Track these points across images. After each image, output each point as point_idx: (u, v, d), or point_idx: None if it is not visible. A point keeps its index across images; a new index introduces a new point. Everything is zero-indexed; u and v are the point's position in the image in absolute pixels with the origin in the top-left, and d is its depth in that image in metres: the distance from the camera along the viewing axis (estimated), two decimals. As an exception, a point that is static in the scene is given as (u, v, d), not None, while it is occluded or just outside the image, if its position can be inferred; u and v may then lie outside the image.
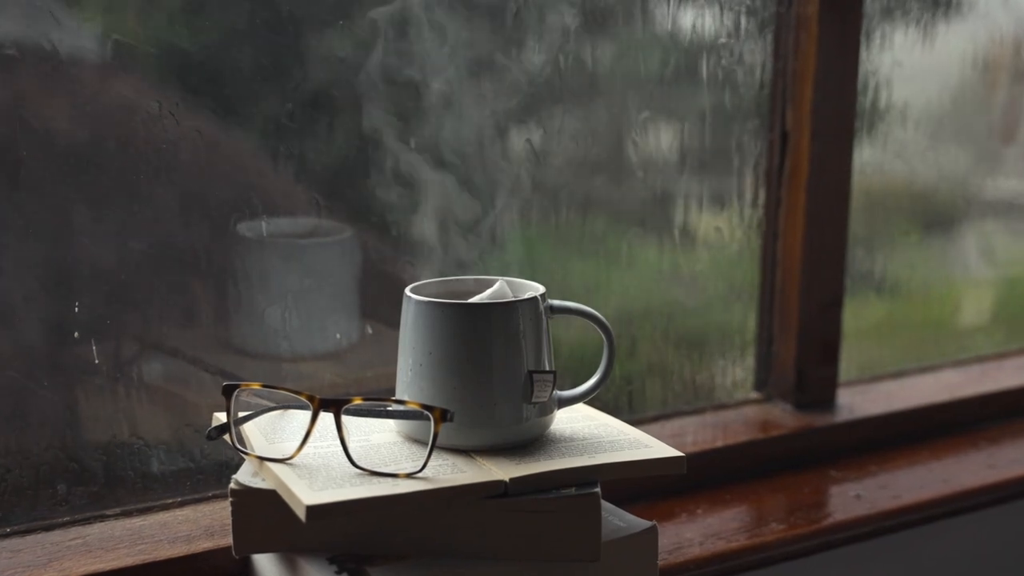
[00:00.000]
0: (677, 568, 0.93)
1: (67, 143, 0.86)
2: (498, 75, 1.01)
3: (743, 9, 1.13)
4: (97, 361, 0.89)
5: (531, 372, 0.77)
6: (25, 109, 0.84)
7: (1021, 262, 1.51)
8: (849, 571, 1.07)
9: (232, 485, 0.74)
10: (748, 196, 1.17)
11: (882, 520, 1.05)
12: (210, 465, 0.93)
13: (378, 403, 0.77)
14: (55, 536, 0.86)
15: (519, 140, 1.04)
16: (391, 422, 0.80)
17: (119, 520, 0.88)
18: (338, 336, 1.00)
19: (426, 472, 0.72)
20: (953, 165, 1.38)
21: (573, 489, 0.74)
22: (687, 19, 1.11)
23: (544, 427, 0.80)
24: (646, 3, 1.09)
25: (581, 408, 0.86)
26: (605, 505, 0.80)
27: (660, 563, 0.87)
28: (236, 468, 0.77)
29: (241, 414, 0.78)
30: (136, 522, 0.88)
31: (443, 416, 0.72)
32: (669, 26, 1.11)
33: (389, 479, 0.71)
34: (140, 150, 0.88)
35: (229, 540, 0.75)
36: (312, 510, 0.66)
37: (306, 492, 0.68)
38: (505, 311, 0.76)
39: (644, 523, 0.79)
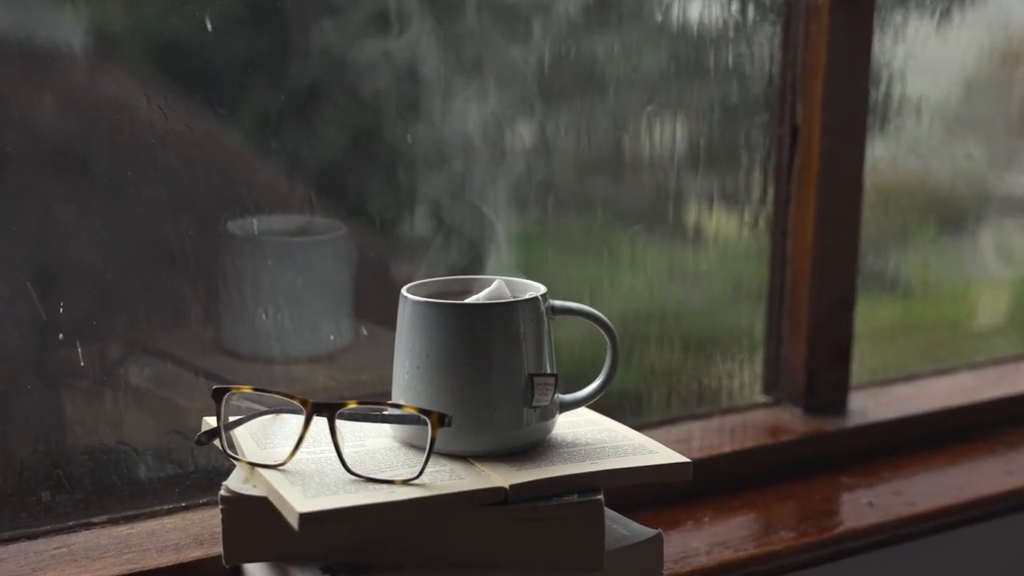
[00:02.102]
0: (683, 578, 0.94)
1: (52, 139, 0.86)
2: (498, 68, 1.01)
3: (751, -1, 1.13)
4: (83, 363, 0.89)
5: (532, 375, 0.77)
6: (8, 104, 0.84)
7: (1039, 261, 1.51)
8: (861, 581, 1.08)
9: (222, 492, 0.74)
10: (756, 193, 1.17)
11: (896, 528, 1.05)
12: (200, 471, 0.93)
13: (373, 407, 0.77)
14: (39, 545, 0.86)
15: (519, 135, 1.04)
16: (387, 427, 0.80)
17: (105, 528, 0.88)
18: (332, 338, 1.00)
19: (423, 479, 0.72)
20: (969, 161, 1.38)
21: (575, 496, 0.74)
22: (693, 9, 1.11)
23: (545, 432, 0.80)
24: (651, -7, 1.09)
25: (584, 412, 0.86)
26: (608, 513, 0.80)
27: (665, 573, 0.87)
28: (226, 474, 0.77)
29: (232, 418, 0.78)
30: (123, 530, 0.88)
31: (441, 420, 0.72)
32: (675, 17, 1.11)
33: (385, 486, 0.71)
34: (128, 146, 0.88)
35: (219, 549, 0.75)
36: (305, 517, 0.67)
37: (299, 499, 0.68)
38: (505, 312, 0.76)
39: (649, 531, 0.79)
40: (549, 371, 0.79)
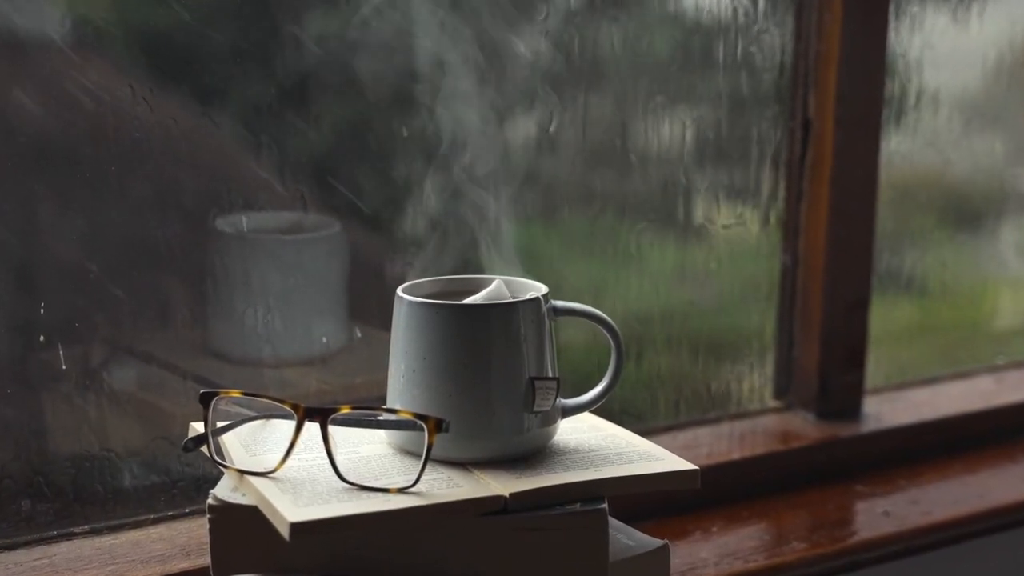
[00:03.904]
0: (690, 590, 0.94)
1: (31, 132, 0.86)
2: (498, 57, 1.01)
3: (762, -14, 1.13)
4: (64, 367, 0.89)
5: (533, 379, 0.77)
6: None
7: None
8: (876, 593, 1.08)
9: (210, 501, 0.74)
10: (767, 189, 1.17)
11: (912, 538, 1.05)
12: (186, 479, 0.93)
13: (368, 412, 0.77)
14: (18, 556, 0.86)
15: (520, 128, 1.04)
16: (382, 433, 0.80)
17: (88, 538, 0.88)
18: (324, 340, 1.00)
19: (419, 487, 0.72)
20: (989, 155, 1.38)
21: (578, 505, 0.74)
22: (701, -3, 1.12)
23: (547, 438, 0.80)
24: (657, -20, 1.09)
25: (587, 418, 0.86)
26: (613, 522, 0.80)
27: (672, 585, 0.87)
28: (214, 482, 0.77)
29: (220, 424, 0.78)
30: (106, 540, 0.88)
31: (438, 426, 0.72)
32: (682, 5, 1.11)
33: (379, 494, 0.71)
34: (111, 139, 0.88)
35: (207, 560, 0.75)
36: (296, 527, 0.66)
37: (290, 508, 0.68)
38: (505, 312, 0.76)
39: (655, 542, 0.79)
40: (551, 375, 0.79)
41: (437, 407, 0.76)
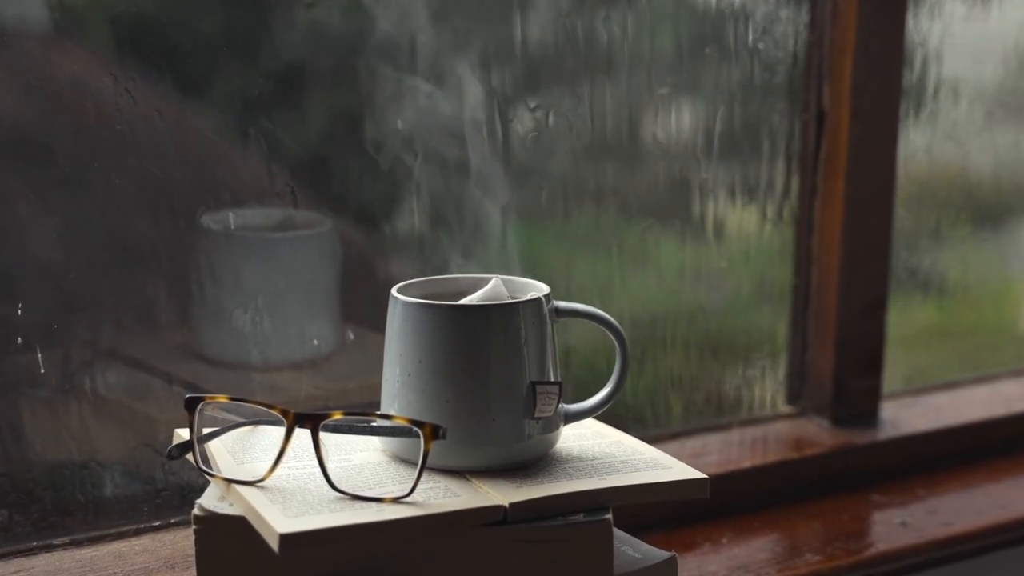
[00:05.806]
0: (699, 605, 0.94)
1: (8, 125, 0.86)
2: (498, 45, 1.01)
3: (774, -28, 1.13)
4: (43, 371, 0.89)
5: (534, 383, 0.77)
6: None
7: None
8: (894, 608, 1.08)
9: (196, 511, 0.74)
10: (779, 184, 1.17)
11: (931, 551, 1.05)
12: (171, 488, 0.93)
13: (361, 418, 0.77)
14: (-5, 568, 0.86)
15: (520, 121, 1.04)
16: (375, 440, 0.80)
17: (67, 551, 0.88)
18: (316, 342, 1.00)
19: (415, 496, 0.72)
20: (1012, 149, 1.38)
21: (581, 515, 0.74)
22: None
23: (548, 445, 0.80)
24: (664, -34, 1.09)
25: (590, 424, 0.86)
26: (618, 534, 0.80)
27: (680, 599, 0.87)
28: (200, 492, 0.77)
29: (206, 430, 0.78)
30: (87, 552, 0.88)
31: (434, 433, 0.72)
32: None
33: (373, 504, 0.71)
34: (92, 132, 0.88)
35: (192, 573, 0.75)
36: (286, 539, 0.66)
37: (279, 519, 0.68)
38: (505, 314, 0.76)
39: (662, 554, 0.79)
40: (553, 379, 0.79)
41: (433, 413, 0.76)
